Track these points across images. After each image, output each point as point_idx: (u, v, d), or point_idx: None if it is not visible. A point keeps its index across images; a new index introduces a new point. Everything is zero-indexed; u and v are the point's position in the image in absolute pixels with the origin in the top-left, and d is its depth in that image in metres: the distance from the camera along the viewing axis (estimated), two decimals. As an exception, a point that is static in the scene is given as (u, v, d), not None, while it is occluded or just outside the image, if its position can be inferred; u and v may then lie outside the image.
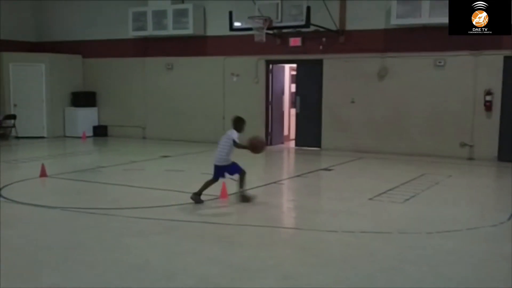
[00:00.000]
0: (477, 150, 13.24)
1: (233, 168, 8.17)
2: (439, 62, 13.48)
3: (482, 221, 7.31)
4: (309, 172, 11.25)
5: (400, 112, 14.07)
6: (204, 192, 8.17)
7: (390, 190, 9.28)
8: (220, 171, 8.15)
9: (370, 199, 8.58)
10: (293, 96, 16.42)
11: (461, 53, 13.18)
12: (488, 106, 13.01)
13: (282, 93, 16.68)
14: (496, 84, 12.96)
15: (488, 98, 12.98)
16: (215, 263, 5.37)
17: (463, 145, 13.35)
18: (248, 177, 9.88)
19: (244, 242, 6.19)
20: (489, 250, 6.03)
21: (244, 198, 8.23)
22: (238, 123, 8.32)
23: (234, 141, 8.01)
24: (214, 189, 8.45)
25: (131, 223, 6.90)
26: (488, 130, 13.10)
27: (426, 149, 13.70)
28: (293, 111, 16.51)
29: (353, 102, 14.59)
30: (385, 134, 14.30)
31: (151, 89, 17.51)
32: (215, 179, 8.20)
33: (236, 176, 8.24)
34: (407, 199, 8.56)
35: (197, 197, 8.09)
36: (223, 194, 8.33)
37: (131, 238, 6.25)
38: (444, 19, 10.75)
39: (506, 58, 12.81)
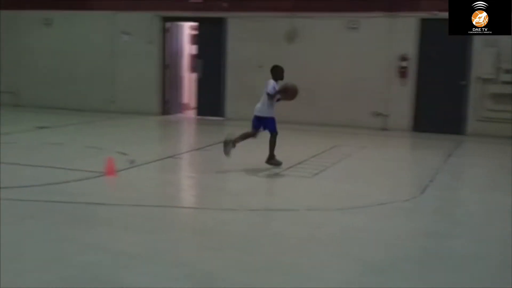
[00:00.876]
0: (392, 120, 13.75)
1: (271, 124, 8.84)
2: (353, 24, 13.80)
3: (395, 196, 7.60)
4: (210, 145, 11.20)
5: (311, 78, 14.27)
6: (86, 169, 7.96)
7: (298, 163, 9.44)
8: (258, 123, 8.83)
9: (277, 174, 8.69)
10: (194, 59, 16.24)
11: (376, 15, 13.55)
12: (403, 73, 13.52)
13: (181, 55, 16.42)
14: (412, 49, 13.48)
15: (403, 64, 13.49)
16: (97, 250, 5.21)
17: (377, 114, 13.82)
18: (140, 151, 9.73)
19: (132, 225, 6.06)
20: (400, 227, 6.29)
21: (274, 162, 8.83)
22: (274, 71, 8.86)
23: (268, 94, 8.65)
24: (99, 165, 8.23)
25: (-2, 206, 6.54)
26: (403, 98, 13.63)
27: (338, 119, 14.05)
28: (193, 76, 16.33)
29: (261, 67, 14.63)
30: (295, 102, 14.41)
31: (25, 49, 16.63)
32: (254, 132, 8.91)
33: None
34: (317, 173, 8.75)
35: (229, 145, 8.75)
36: (110, 170, 8.10)
37: (-3, 223, 5.92)
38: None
39: (423, 21, 13.31)
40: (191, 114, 16.27)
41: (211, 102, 15.33)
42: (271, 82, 8.75)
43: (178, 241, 5.61)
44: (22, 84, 16.77)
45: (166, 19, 15.49)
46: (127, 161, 9.01)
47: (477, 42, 12.93)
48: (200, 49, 15.58)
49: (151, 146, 11.68)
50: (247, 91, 14.85)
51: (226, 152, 8.80)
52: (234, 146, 8.84)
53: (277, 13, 14.27)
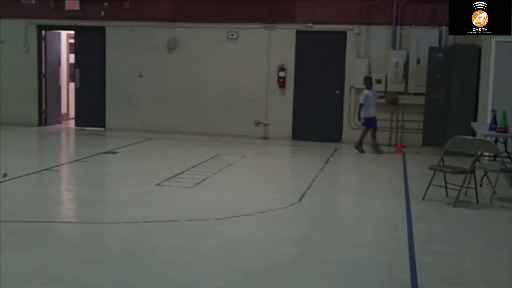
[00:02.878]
0: (272, 129, 14.04)
1: (372, 123, 12.02)
2: (232, 35, 13.98)
3: (274, 204, 7.74)
4: (89, 156, 10.91)
5: (193, 88, 14.31)
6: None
7: (180, 173, 9.40)
8: (367, 122, 12.03)
9: (158, 184, 8.60)
10: (72, 68, 15.76)
11: (254, 26, 13.81)
12: (281, 83, 13.85)
13: (59, 64, 15.88)
14: (289, 60, 13.84)
15: (281, 74, 13.82)
16: (-36, 271, 4.90)
17: (257, 123, 14.06)
18: (14, 164, 9.40)
19: (5, 242, 5.74)
20: (278, 234, 6.41)
21: (379, 150, 12.08)
22: (368, 81, 12.16)
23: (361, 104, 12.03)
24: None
25: None
26: (282, 107, 13.96)
27: (221, 128, 14.14)
28: (72, 85, 15.84)
29: (141, 76, 14.50)
30: (177, 112, 14.43)
31: None
32: (366, 129, 12.09)
33: None
34: (198, 183, 8.76)
35: (359, 146, 12.01)
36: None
37: None
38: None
39: (299, 33, 13.73)
40: (70, 124, 15.76)
41: (90, 112, 14.92)
42: (364, 93, 11.98)
43: (54, 258, 5.40)
44: None
45: (42, 27, 14.93)
46: (-1, 175, 8.59)
47: (350, 54, 13.51)
48: (78, 58, 15.15)
49: (26, 158, 11.15)
50: (127, 101, 14.63)
51: (360, 150, 11.99)
52: (362, 144, 12.05)
53: (157, 22, 14.18)
